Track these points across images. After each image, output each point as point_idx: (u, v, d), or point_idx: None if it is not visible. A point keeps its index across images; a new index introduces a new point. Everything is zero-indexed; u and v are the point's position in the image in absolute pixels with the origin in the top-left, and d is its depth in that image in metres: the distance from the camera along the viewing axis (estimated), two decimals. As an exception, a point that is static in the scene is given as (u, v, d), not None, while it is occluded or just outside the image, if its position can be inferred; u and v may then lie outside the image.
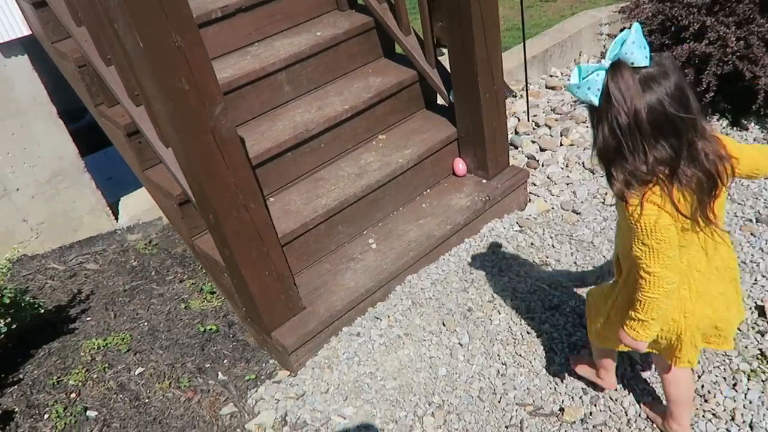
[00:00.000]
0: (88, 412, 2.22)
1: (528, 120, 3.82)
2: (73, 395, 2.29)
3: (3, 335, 2.25)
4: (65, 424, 2.16)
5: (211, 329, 2.57)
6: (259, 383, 2.32)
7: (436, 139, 2.87)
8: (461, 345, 2.31)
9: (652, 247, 1.35)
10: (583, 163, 3.21)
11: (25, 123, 2.90)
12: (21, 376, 2.37)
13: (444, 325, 2.40)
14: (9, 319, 2.27)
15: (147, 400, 2.27)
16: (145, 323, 2.67)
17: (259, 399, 2.25)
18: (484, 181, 2.93)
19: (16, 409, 2.22)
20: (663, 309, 1.43)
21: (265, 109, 2.81)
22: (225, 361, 2.44)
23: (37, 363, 2.45)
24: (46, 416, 2.20)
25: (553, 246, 2.72)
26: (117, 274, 3.04)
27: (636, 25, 1.25)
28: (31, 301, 2.47)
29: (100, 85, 2.59)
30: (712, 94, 3.01)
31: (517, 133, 3.73)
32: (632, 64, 1.26)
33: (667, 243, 1.34)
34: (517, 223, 2.87)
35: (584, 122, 3.52)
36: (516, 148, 3.61)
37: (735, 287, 1.60)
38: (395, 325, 2.44)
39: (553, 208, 2.99)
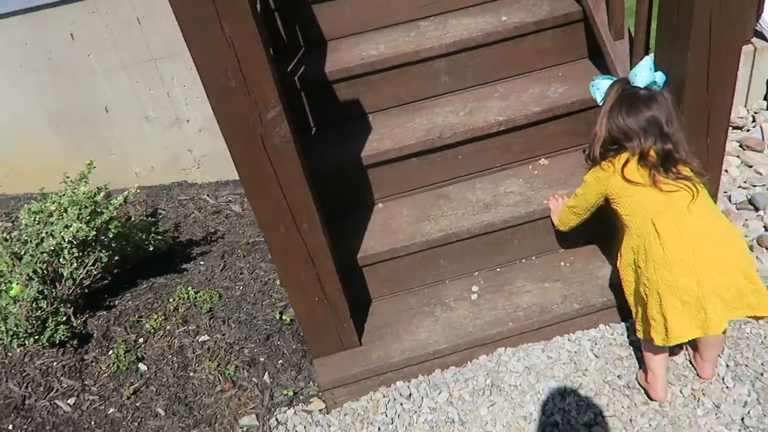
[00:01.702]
0: (140, 365, 2.28)
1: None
2: (140, 340, 2.37)
3: (104, 264, 2.39)
4: (117, 368, 2.26)
5: (285, 320, 2.42)
6: (293, 404, 2.11)
7: (608, 185, 2.16)
8: (519, 471, 1.78)
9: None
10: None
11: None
12: (116, 302, 2.54)
13: (509, 434, 1.86)
14: (111, 252, 2.41)
15: (191, 374, 2.25)
16: (240, 287, 2.64)
17: (283, 423, 2.05)
18: (659, 257, 2.15)
19: (95, 335, 2.39)
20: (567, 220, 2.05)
21: (412, 98, 2.41)
22: (280, 361, 2.28)
23: (136, 294, 2.60)
24: (110, 352, 2.32)
25: (734, 382, 1.90)
26: (252, 224, 3.06)
27: (647, 58, 1.84)
28: (142, 238, 2.59)
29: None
30: None
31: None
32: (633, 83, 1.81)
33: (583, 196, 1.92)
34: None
35: None
36: (756, 209, 2.63)
37: (728, 253, 1.63)
38: (455, 404, 1.98)
39: (755, 318, 2.09)
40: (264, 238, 1.81)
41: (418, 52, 2.29)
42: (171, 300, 2.55)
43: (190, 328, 2.44)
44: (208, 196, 3.28)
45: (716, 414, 1.82)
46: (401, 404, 2.00)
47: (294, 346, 2.34)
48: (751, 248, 2.39)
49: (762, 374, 1.92)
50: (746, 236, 2.49)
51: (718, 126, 1.85)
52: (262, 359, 2.30)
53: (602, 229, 2.24)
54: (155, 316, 2.45)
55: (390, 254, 2.11)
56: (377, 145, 2.22)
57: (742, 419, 1.81)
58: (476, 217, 2.15)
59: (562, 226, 2.10)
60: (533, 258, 2.26)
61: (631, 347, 2.04)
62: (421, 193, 2.32)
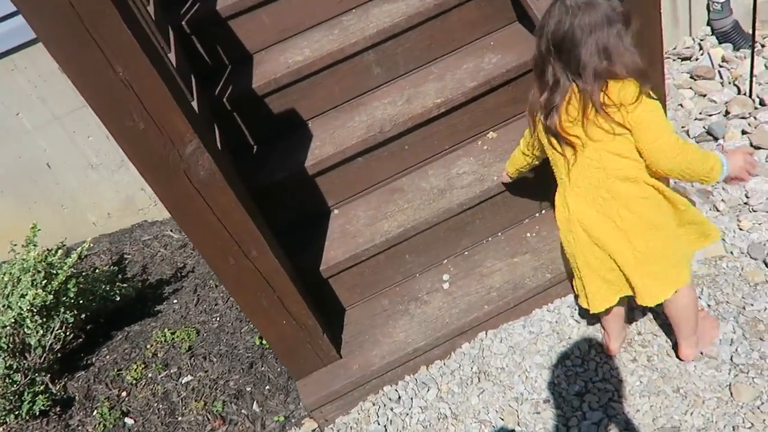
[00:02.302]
0: (127, 419, 2.23)
1: (750, 94, 2.72)
2: (123, 394, 2.32)
3: (71, 324, 2.33)
4: (104, 427, 2.21)
5: (265, 345, 2.36)
6: (285, 429, 2.07)
7: (559, 147, 2.11)
8: (518, 452, 1.74)
9: None
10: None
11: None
12: (93, 359, 2.49)
13: (502, 419, 1.83)
14: (76, 311, 2.34)
15: (179, 419, 2.20)
16: (217, 318, 2.58)
17: (277, 450, 2.02)
18: (623, 210, 2.10)
19: (76, 397, 2.33)
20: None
21: (348, 97, 2.35)
22: (267, 387, 2.24)
23: (112, 347, 2.54)
24: (94, 412, 2.27)
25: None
26: (220, 251, 2.99)
27: None
28: (107, 290, 2.52)
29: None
30: None
31: (727, 114, 2.69)
32: None
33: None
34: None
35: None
36: (715, 139, 2.60)
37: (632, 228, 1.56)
38: (445, 398, 1.94)
39: (731, 253, 2.06)
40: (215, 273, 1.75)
41: (343, 50, 2.22)
42: (148, 346, 2.49)
43: (171, 371, 2.38)
44: (171, 231, 3.21)
45: (704, 359, 1.79)
46: (391, 409, 1.96)
47: (279, 369, 2.29)
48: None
49: (743, 308, 1.89)
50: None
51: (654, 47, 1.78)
52: (248, 389, 2.25)
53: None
54: (135, 366, 2.40)
55: (352, 260, 2.06)
56: (319, 152, 2.16)
57: (731, 358, 1.78)
58: (433, 206, 2.10)
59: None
60: (499, 234, 2.22)
61: (610, 306, 2.00)
62: (375, 191, 2.27)
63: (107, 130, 1.43)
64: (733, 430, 1.61)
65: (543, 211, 2.22)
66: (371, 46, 2.25)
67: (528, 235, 2.17)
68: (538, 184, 2.14)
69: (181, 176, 1.52)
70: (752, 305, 1.88)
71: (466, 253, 2.20)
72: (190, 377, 2.34)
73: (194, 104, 1.91)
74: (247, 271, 1.72)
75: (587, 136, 1.49)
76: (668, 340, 1.87)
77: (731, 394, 1.69)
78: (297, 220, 2.25)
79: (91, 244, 2.75)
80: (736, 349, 1.79)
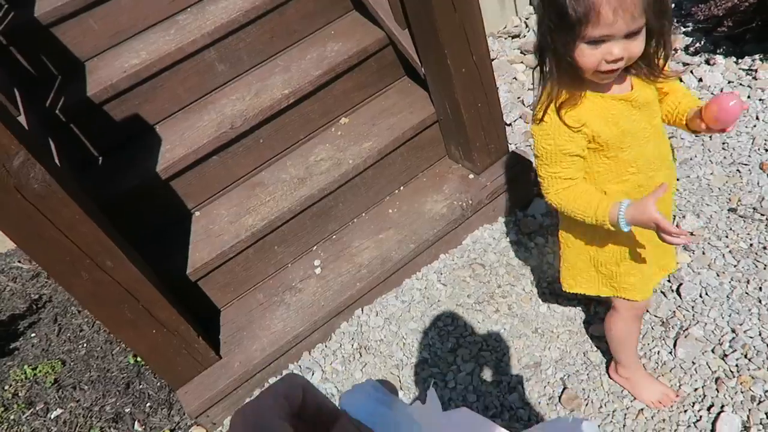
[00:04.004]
0: (-10, 469, 2.04)
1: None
2: (-17, 443, 2.12)
3: None
4: (-36, 483, 2.00)
5: (139, 362, 2.26)
6: (172, 441, 2.01)
7: (407, 125, 2.23)
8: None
9: None
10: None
11: None
12: (-57, 413, 2.24)
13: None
14: None
15: (53, 456, 2.05)
16: (84, 344, 2.43)
17: (166, 465, 1.95)
18: (472, 176, 2.27)
19: (-74, 458, 2.09)
20: None
21: (194, 96, 2.30)
22: (148, 404, 2.15)
23: (-36, 396, 2.30)
24: (-50, 470, 2.05)
25: (554, 264, 2.07)
26: (79, 275, 2.80)
27: None
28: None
29: None
30: None
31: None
32: None
33: None
34: (516, 228, 2.22)
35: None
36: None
37: None
38: (330, 378, 1.98)
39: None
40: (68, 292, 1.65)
41: (182, 49, 2.17)
42: (6, 387, 2.29)
43: (37, 408, 2.21)
44: (20, 261, 2.95)
45: (558, 298, 1.99)
46: (279, 399, 1.96)
47: (159, 384, 2.20)
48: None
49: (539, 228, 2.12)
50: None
51: (476, 30, 1.93)
52: (127, 410, 2.15)
53: (414, 163, 2.33)
54: (-7, 412, 2.19)
55: (220, 259, 2.03)
56: (171, 155, 2.10)
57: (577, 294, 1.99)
58: (295, 195, 2.13)
59: None
60: (363, 215, 2.29)
61: (471, 267, 2.15)
62: (236, 188, 2.25)
63: None
64: (584, 355, 1.81)
65: (402, 188, 2.33)
66: (211, 43, 2.22)
67: (390, 211, 2.27)
68: (392, 163, 2.24)
69: (12, 192, 1.42)
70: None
71: (335, 236, 2.26)
72: (59, 411, 2.18)
73: (21, 119, 1.79)
74: (105, 283, 1.64)
75: None
76: (524, 289, 2.05)
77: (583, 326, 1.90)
78: (159, 227, 2.17)
79: None
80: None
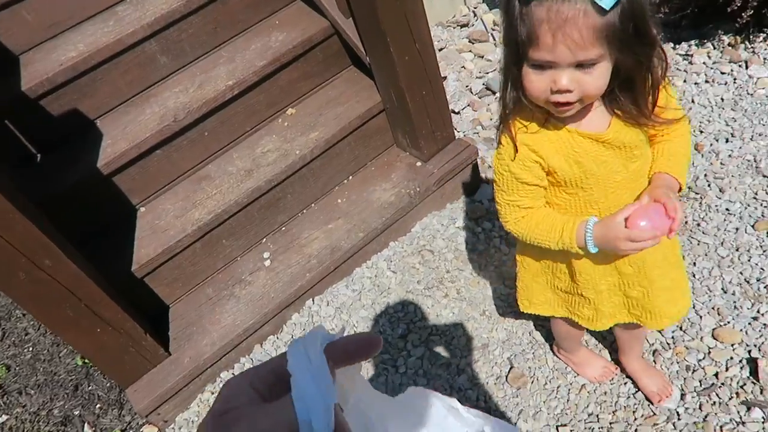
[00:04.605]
0: (-68, 479, 1.98)
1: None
2: (-77, 453, 2.05)
3: None
4: None
5: (87, 363, 2.22)
6: (123, 441, 1.98)
7: (354, 114, 2.23)
8: (357, 401, 1.84)
9: None
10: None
11: None
12: None
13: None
14: None
15: (-2, 463, 2.00)
16: (30, 348, 2.37)
17: (118, 464, 1.92)
18: (419, 163, 2.29)
19: None
20: None
21: (136, 90, 2.25)
22: (97, 405, 2.11)
23: None
24: None
25: (501, 248, 2.11)
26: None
27: None
28: None
29: None
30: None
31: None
32: None
33: None
34: (464, 214, 2.26)
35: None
36: (493, 93, 2.89)
37: None
38: (282, 370, 1.98)
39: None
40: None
41: (121, 40, 2.12)
42: (-52, 395, 2.21)
43: (-19, 415, 2.14)
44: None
45: (504, 281, 2.03)
46: (231, 393, 1.95)
47: (108, 384, 2.16)
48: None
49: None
50: (492, 119, 2.75)
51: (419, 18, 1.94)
52: (76, 412, 2.10)
53: (362, 152, 2.33)
54: (-67, 421, 2.12)
55: (166, 254, 2.00)
56: (112, 150, 2.05)
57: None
58: (242, 187, 2.11)
59: None
60: (312, 205, 2.29)
61: (421, 254, 2.18)
62: (182, 182, 2.21)
63: None
64: (530, 335, 1.86)
65: (350, 177, 2.33)
66: (152, 34, 2.17)
67: (339, 201, 2.27)
68: (340, 153, 2.25)
69: (-63, 191, 1.37)
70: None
71: (284, 228, 2.25)
72: (5, 417, 2.13)
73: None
74: (44, 283, 1.60)
75: None
76: (472, 273, 2.08)
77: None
78: (103, 224, 2.12)
79: None
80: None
